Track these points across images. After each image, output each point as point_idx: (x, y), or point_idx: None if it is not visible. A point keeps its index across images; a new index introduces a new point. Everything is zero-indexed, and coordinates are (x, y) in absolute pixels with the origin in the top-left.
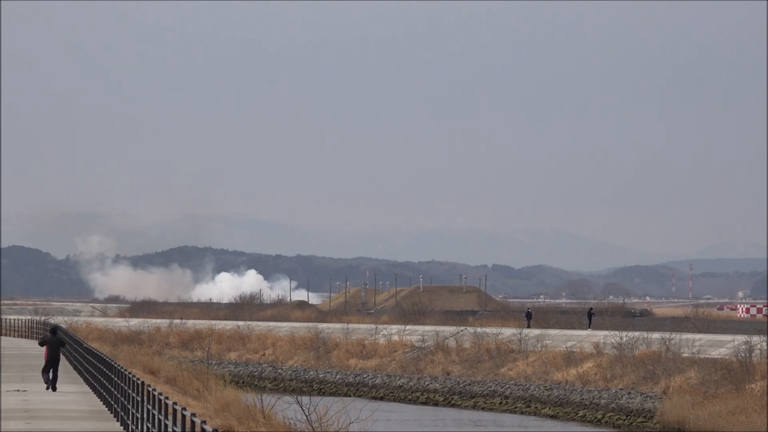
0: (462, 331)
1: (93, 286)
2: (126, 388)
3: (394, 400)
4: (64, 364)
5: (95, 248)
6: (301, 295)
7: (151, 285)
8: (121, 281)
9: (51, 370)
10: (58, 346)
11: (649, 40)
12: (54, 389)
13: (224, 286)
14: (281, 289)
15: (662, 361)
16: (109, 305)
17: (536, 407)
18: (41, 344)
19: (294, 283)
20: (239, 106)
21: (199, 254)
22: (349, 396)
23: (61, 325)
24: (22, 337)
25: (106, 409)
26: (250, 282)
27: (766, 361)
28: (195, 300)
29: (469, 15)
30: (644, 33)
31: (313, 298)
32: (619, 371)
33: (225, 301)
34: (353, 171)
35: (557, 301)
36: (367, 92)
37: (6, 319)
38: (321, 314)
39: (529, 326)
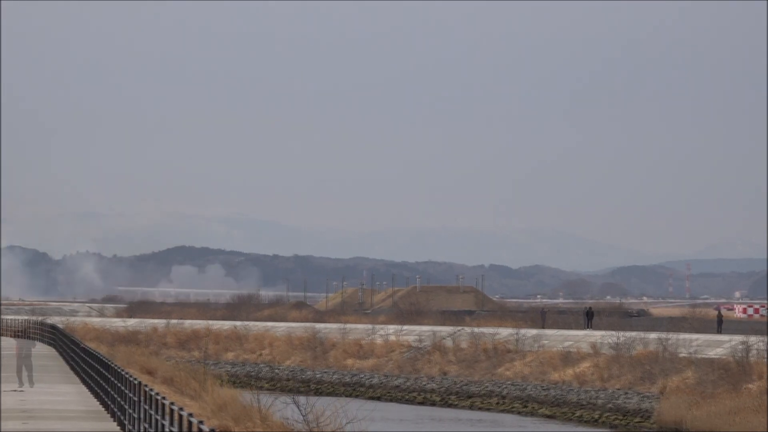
0: (459, 331)
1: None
2: (123, 388)
3: (391, 401)
4: (60, 364)
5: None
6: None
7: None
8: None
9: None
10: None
11: (649, 40)
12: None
13: (183, 282)
14: (249, 286)
15: (659, 361)
16: (106, 305)
17: (533, 407)
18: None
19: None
20: (238, 105)
21: (197, 254)
22: (346, 396)
23: (58, 325)
24: (20, 338)
25: (103, 409)
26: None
27: (766, 361)
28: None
29: (470, 14)
30: (644, 33)
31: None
32: (616, 371)
33: (223, 300)
34: (351, 171)
35: (555, 301)
36: (366, 91)
37: (5, 319)
38: (318, 314)
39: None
